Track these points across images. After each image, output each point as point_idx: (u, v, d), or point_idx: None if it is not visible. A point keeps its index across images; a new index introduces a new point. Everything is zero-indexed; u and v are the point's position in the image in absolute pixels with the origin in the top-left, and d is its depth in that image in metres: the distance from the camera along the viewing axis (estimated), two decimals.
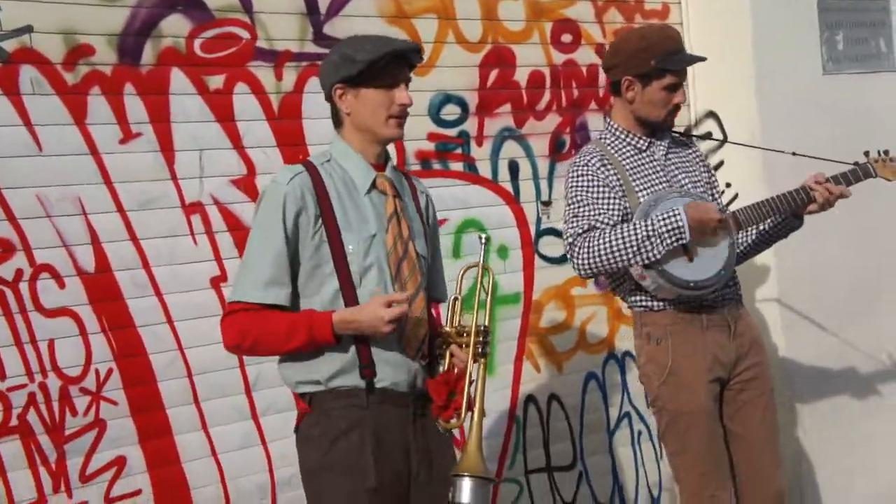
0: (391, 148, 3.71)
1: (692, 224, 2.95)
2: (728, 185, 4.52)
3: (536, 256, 4.23)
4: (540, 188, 4.24)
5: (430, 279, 2.68)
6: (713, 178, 3.35)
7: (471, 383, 2.48)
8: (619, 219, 3.08)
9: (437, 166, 3.99)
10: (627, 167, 3.14)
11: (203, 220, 3.42)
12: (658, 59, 3.09)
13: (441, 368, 2.54)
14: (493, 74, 4.10)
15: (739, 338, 3.19)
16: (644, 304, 3.18)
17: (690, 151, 3.35)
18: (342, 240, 2.46)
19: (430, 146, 3.96)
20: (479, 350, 2.49)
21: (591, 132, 4.35)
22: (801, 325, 4.46)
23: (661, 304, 3.15)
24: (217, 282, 3.45)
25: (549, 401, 4.23)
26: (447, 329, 2.53)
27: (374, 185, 2.54)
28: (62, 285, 3.15)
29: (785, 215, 3.24)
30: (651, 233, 2.95)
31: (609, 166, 3.13)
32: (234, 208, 3.48)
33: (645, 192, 3.12)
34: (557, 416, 4.25)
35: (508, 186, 4.16)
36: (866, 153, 3.29)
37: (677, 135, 3.36)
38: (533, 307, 4.21)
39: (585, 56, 4.35)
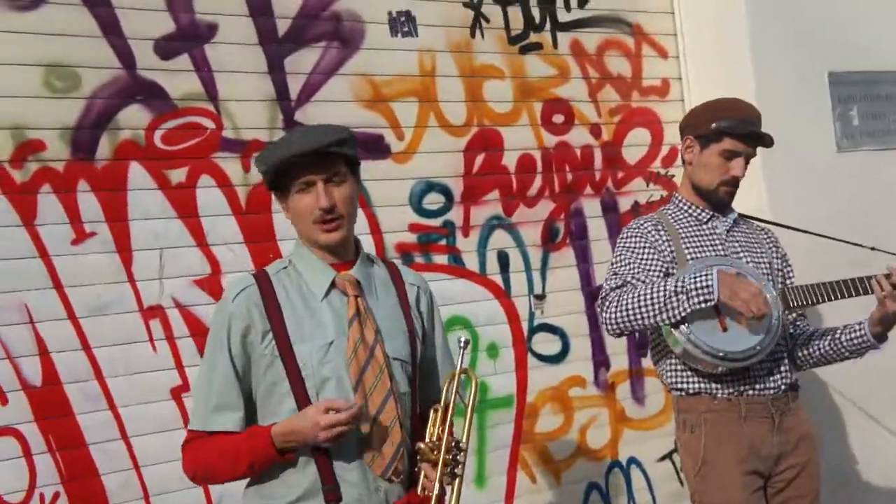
0: (369, 239, 3.82)
1: (724, 289, 2.95)
2: None
3: (530, 355, 4.20)
4: (532, 281, 4.23)
5: (430, 382, 2.61)
6: (786, 265, 3.35)
7: None
8: (660, 277, 3.13)
9: (419, 259, 3.99)
10: (683, 235, 3.22)
11: (163, 325, 3.42)
12: (719, 121, 3.17)
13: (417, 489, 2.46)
14: (480, 159, 4.13)
15: (784, 433, 3.17)
16: (680, 385, 3.20)
17: (764, 236, 3.38)
18: (295, 353, 2.42)
19: (411, 238, 3.97)
20: (449, 470, 2.41)
21: (586, 218, 4.37)
22: (830, 420, 4.42)
23: (696, 386, 3.17)
24: (178, 392, 3.43)
25: None
26: (422, 445, 2.44)
27: (333, 286, 2.49)
28: (4, 401, 3.12)
29: (853, 330, 3.21)
30: (679, 289, 2.99)
31: (663, 232, 3.22)
32: (198, 311, 3.48)
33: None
34: None
35: (498, 279, 4.16)
36: None
37: (746, 216, 3.38)
38: (527, 411, 4.17)
39: (579, 137, 4.39)
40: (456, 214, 4.07)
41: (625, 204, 4.48)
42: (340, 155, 2.44)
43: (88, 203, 3.30)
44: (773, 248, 3.36)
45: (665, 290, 3.00)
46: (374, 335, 2.46)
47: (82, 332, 3.27)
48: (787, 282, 3.32)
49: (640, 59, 4.58)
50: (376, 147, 3.88)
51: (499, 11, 4.20)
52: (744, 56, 4.51)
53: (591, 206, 4.39)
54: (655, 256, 3.16)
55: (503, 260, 4.17)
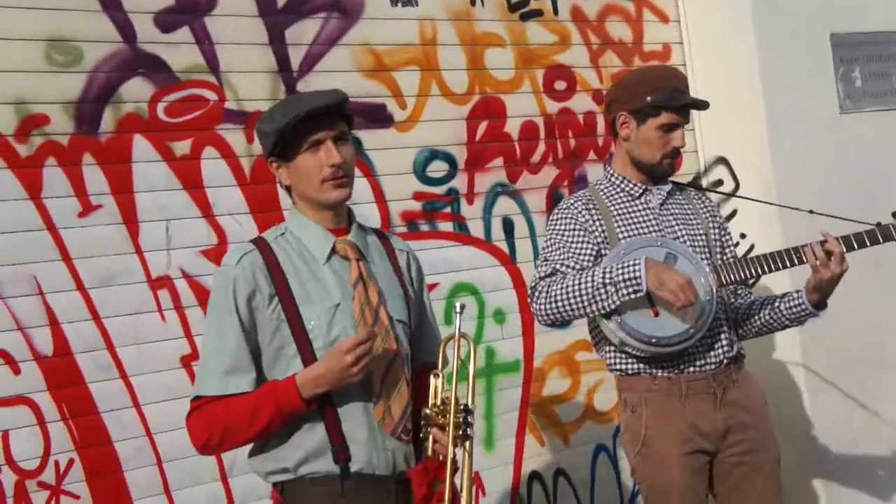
0: (374, 208, 3.83)
1: (651, 278, 2.92)
2: (743, 235, 4.51)
3: (536, 320, 4.19)
4: (537, 246, 4.22)
5: (420, 344, 2.64)
6: (724, 234, 3.31)
7: (455, 470, 2.43)
8: (590, 261, 3.08)
9: (424, 227, 3.99)
10: (615, 213, 3.15)
11: (171, 295, 3.44)
12: (655, 95, 3.10)
13: (424, 454, 2.49)
14: (483, 127, 4.13)
15: (729, 407, 3.11)
16: (619, 366, 3.16)
17: (700, 204, 3.31)
18: (301, 316, 2.44)
19: (416, 206, 3.98)
20: (461, 432, 2.44)
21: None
22: (826, 390, 4.41)
23: (635, 366, 3.12)
24: (187, 360, 3.45)
25: (556, 476, 4.19)
26: (426, 410, 2.47)
27: (334, 252, 2.52)
28: (17, 371, 3.15)
29: (792, 299, 3.17)
30: (608, 281, 2.95)
31: (594, 210, 3.14)
32: (205, 281, 3.48)
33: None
34: (565, 493, 4.20)
35: (503, 245, 4.17)
36: (894, 214, 3.17)
37: (682, 185, 3.34)
38: (534, 375, 4.18)
39: (581, 103, 4.38)
40: (460, 182, 4.07)
41: None
42: (343, 115, 2.49)
43: (94, 176, 3.32)
44: (710, 217, 3.28)
45: (593, 282, 2.96)
46: (378, 297, 2.50)
47: (91, 302, 3.29)
48: (727, 250, 3.26)
49: (641, 23, 4.55)
50: (379, 116, 3.88)
51: None
52: (745, 19, 4.48)
53: (595, 172, 4.37)
54: (585, 239, 3.10)
55: (508, 226, 4.18)
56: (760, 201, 3.58)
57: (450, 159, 4.06)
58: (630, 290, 2.93)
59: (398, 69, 3.95)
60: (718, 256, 3.22)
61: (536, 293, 3.08)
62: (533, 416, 4.17)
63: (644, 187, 3.19)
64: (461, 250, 4.06)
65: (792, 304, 3.17)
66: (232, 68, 3.58)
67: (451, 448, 2.42)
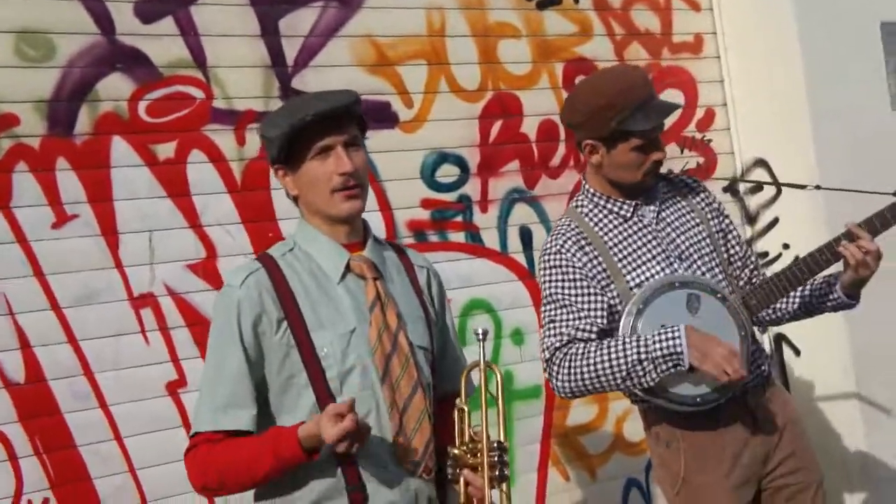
0: (378, 217, 3.78)
1: (693, 352, 2.82)
2: (786, 246, 4.46)
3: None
4: None
5: (442, 371, 2.58)
6: (723, 220, 3.19)
7: None
8: (604, 319, 2.97)
9: (433, 238, 3.95)
10: (610, 244, 3.03)
11: (155, 315, 3.41)
12: (619, 118, 2.94)
13: (459, 500, 2.42)
14: (497, 127, 4.09)
15: (766, 426, 3.05)
16: (647, 399, 3.04)
17: (692, 195, 3.19)
18: (313, 342, 2.38)
19: (424, 214, 3.94)
20: (497, 473, 2.38)
21: None
22: (883, 421, 4.37)
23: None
24: (174, 387, 3.41)
25: None
26: (455, 451, 2.41)
27: (348, 270, 2.46)
28: None
29: (824, 291, 3.12)
30: (643, 356, 2.84)
31: (588, 247, 3.01)
32: (193, 298, 3.45)
33: (634, 274, 2.99)
34: None
35: (521, 258, 4.12)
36: None
37: (667, 177, 3.23)
38: (557, 402, 4.12)
39: None
40: (472, 188, 4.04)
41: None
42: (355, 117, 2.44)
43: (69, 182, 3.30)
44: (706, 207, 3.18)
45: (626, 357, 2.85)
46: (397, 321, 2.44)
47: (67, 323, 3.26)
48: (730, 237, 3.18)
49: (671, 12, 4.52)
50: (383, 115, 3.85)
51: None
52: (785, 7, 4.44)
53: None
54: (591, 290, 2.96)
55: (526, 237, 4.14)
56: (743, 181, 3.47)
57: (461, 163, 4.02)
58: (670, 364, 2.83)
59: (403, 63, 3.92)
60: (723, 248, 3.15)
61: (555, 367, 2.94)
62: (556, 448, 4.11)
63: (633, 204, 3.07)
64: (474, 263, 4.02)
65: (828, 299, 3.14)
66: (220, 63, 3.55)
67: (487, 491, 2.36)
